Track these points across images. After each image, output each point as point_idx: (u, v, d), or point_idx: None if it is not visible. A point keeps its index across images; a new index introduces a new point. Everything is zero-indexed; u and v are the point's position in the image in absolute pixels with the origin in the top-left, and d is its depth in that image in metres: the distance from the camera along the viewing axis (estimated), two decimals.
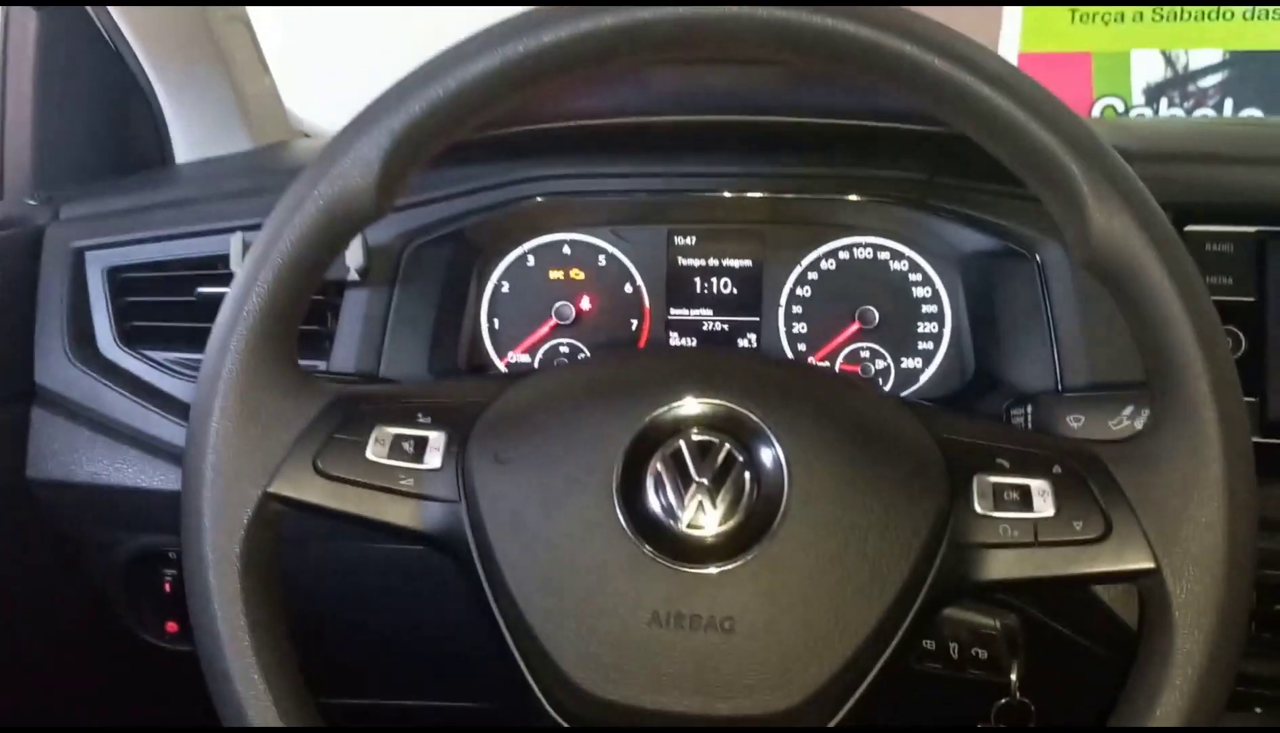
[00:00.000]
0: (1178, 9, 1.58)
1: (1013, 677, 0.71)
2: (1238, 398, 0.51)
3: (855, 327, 0.85)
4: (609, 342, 0.88)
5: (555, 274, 0.88)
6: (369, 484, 0.55)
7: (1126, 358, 0.72)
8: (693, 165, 0.84)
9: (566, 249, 0.88)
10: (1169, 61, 1.59)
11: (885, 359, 0.85)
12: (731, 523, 0.53)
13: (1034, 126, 0.50)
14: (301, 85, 1.30)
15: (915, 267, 0.85)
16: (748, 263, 0.87)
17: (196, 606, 0.53)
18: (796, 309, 0.86)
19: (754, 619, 0.51)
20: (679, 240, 0.87)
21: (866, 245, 0.85)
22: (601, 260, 0.88)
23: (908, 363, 0.85)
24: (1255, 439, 0.52)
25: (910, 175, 0.81)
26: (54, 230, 0.89)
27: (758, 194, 0.84)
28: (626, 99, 0.90)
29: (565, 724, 0.54)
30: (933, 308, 0.85)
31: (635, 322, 0.88)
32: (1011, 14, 1.62)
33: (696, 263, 0.87)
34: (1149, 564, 0.50)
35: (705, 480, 0.53)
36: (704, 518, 0.53)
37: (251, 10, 1.17)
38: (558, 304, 0.87)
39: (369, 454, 0.55)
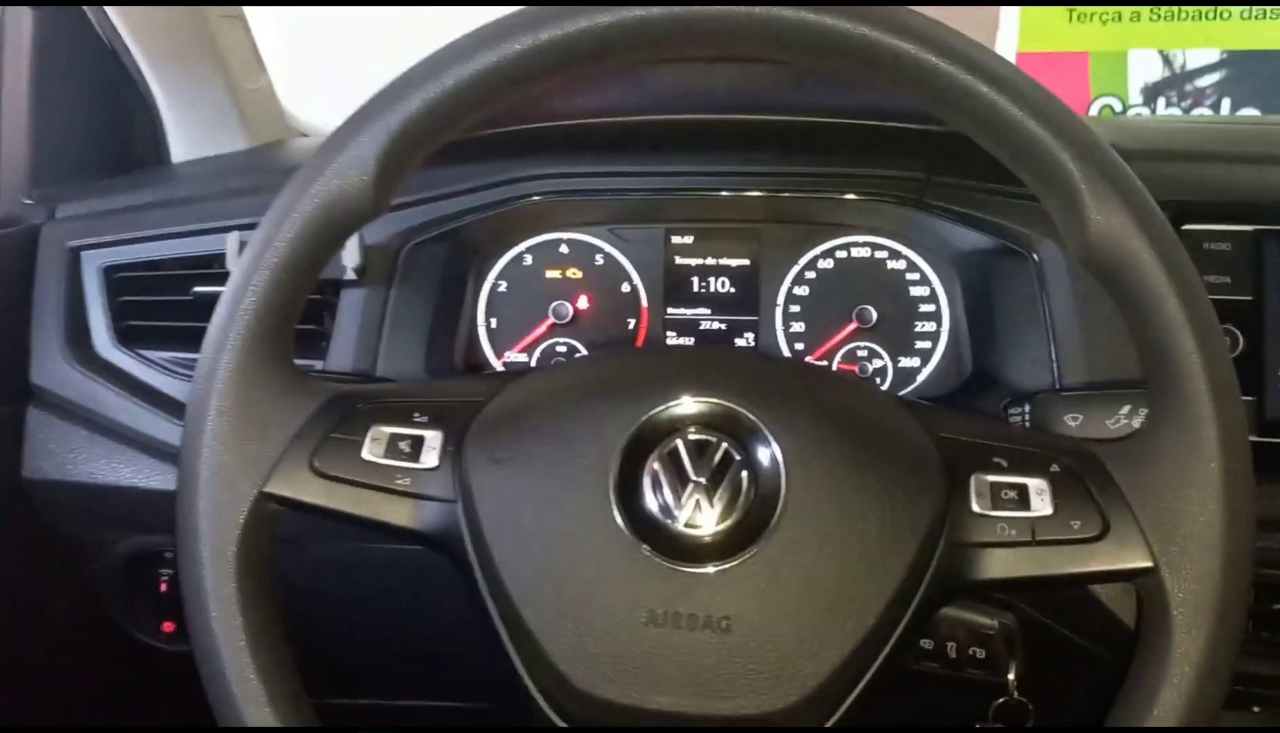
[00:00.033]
0: (1175, 9, 1.59)
1: (1010, 676, 0.71)
2: (1235, 397, 0.51)
3: (853, 326, 0.85)
4: (606, 341, 0.88)
5: (552, 273, 0.88)
6: (365, 484, 0.55)
7: (1124, 357, 0.72)
8: (690, 164, 0.84)
9: (564, 248, 0.88)
10: (1166, 61, 1.59)
11: (883, 358, 0.85)
12: (729, 522, 0.52)
13: (1032, 125, 0.50)
14: (298, 84, 1.30)
15: (913, 266, 0.85)
16: (745, 262, 0.87)
17: (192, 605, 0.52)
18: (794, 308, 0.86)
19: (751, 619, 0.50)
20: (676, 239, 0.87)
21: (864, 244, 0.85)
22: (599, 259, 0.88)
23: (905, 362, 0.85)
24: (1253, 438, 0.52)
25: (908, 174, 0.81)
26: (50, 229, 0.89)
27: (755, 193, 0.84)
28: (624, 98, 0.90)
29: (562, 724, 0.53)
30: (930, 307, 0.85)
31: (633, 321, 0.88)
32: (1009, 13, 1.62)
33: (694, 262, 0.87)
34: (1147, 563, 0.50)
35: (702, 480, 0.53)
36: (701, 517, 0.53)
37: (248, 9, 1.17)
38: (555, 303, 0.87)
39: (365, 454, 0.55)
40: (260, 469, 0.53)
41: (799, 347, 0.86)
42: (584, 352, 0.88)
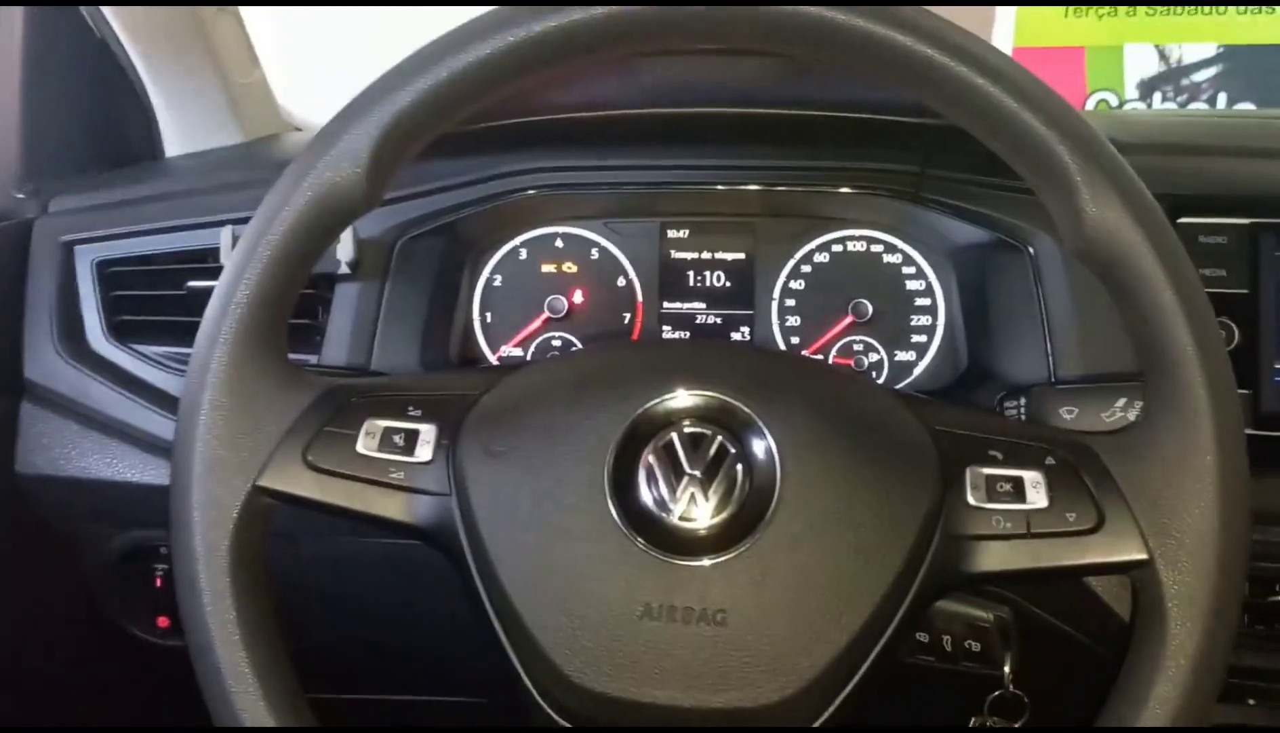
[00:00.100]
0: (1170, 6, 1.59)
1: (1006, 669, 0.71)
2: (1231, 389, 0.51)
3: (848, 320, 0.85)
4: (602, 335, 0.88)
5: (547, 267, 0.88)
6: (359, 477, 0.54)
7: (1119, 349, 0.72)
8: (685, 158, 0.84)
9: (559, 242, 0.88)
10: (1162, 56, 1.59)
11: (878, 352, 0.85)
12: (724, 515, 0.52)
13: (1028, 117, 0.49)
14: (293, 78, 1.29)
15: (908, 259, 0.85)
16: (740, 256, 0.87)
17: (186, 599, 0.52)
18: (789, 302, 0.86)
19: (746, 611, 0.50)
20: (671, 233, 0.87)
21: (859, 238, 0.85)
22: (594, 254, 0.88)
23: (901, 356, 0.85)
24: (1248, 431, 0.52)
25: (903, 168, 0.81)
26: (43, 224, 0.89)
27: (750, 187, 0.84)
28: (619, 91, 0.90)
29: (558, 718, 0.53)
30: (926, 301, 0.85)
31: (628, 315, 0.88)
32: (1005, 8, 1.62)
33: (689, 256, 0.87)
34: (1142, 556, 0.50)
35: (697, 473, 0.53)
36: (696, 510, 0.53)
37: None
38: (550, 298, 0.87)
39: (359, 447, 0.55)
40: (254, 463, 0.53)
41: (795, 341, 0.86)
42: (579, 346, 0.88)
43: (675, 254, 0.87)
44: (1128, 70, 1.60)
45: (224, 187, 0.89)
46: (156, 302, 0.87)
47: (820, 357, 0.86)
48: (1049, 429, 0.68)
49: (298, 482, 0.54)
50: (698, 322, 0.87)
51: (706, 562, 0.51)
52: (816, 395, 0.56)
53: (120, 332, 0.87)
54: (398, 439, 0.55)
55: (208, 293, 0.55)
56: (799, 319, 0.86)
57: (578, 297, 0.88)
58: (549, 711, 0.54)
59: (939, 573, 0.53)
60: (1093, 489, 0.52)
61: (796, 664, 0.50)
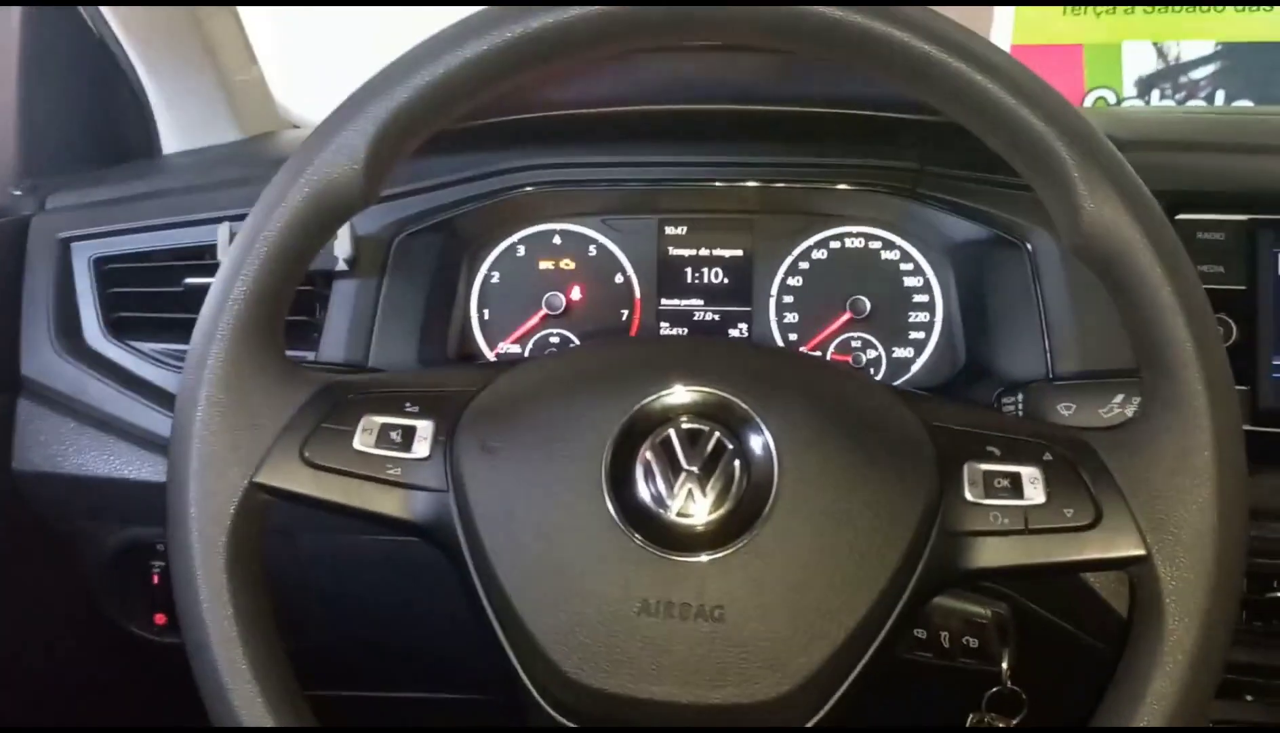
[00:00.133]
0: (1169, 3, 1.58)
1: (1004, 665, 0.71)
2: (1229, 385, 0.51)
3: (846, 316, 0.85)
4: (600, 332, 0.88)
5: (545, 264, 0.88)
6: (356, 474, 0.54)
7: (1117, 345, 0.71)
8: (683, 154, 0.84)
9: (557, 239, 0.88)
10: (1160, 53, 1.59)
11: (877, 349, 0.85)
12: (721, 511, 0.52)
13: (1025, 113, 0.49)
14: (292, 76, 1.29)
15: (906, 256, 0.85)
16: (738, 252, 0.87)
17: (182, 596, 0.52)
18: (787, 299, 0.86)
19: (744, 607, 0.50)
20: (670, 230, 0.87)
21: (858, 235, 0.85)
22: (592, 250, 0.88)
23: (899, 352, 0.85)
24: (1246, 427, 0.52)
25: (901, 164, 0.81)
26: (40, 221, 0.89)
27: (748, 183, 0.84)
28: (616, 88, 0.90)
29: (555, 714, 0.53)
30: (924, 297, 0.85)
31: (626, 312, 0.88)
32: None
33: (687, 253, 0.87)
34: (1139, 551, 0.50)
35: (695, 469, 0.53)
36: (693, 506, 0.52)
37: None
38: (548, 294, 0.87)
39: (356, 444, 0.55)
40: (250, 459, 0.53)
41: (793, 337, 0.86)
42: (577, 343, 0.88)
43: (673, 251, 0.87)
44: (1126, 68, 1.60)
45: (221, 183, 0.89)
46: (154, 298, 0.87)
47: (818, 353, 0.85)
48: (1047, 425, 0.68)
49: (295, 478, 0.54)
50: (696, 318, 0.87)
51: (704, 558, 0.51)
52: (814, 391, 0.56)
53: (117, 328, 0.87)
54: (395, 436, 0.55)
55: (205, 290, 0.55)
56: (797, 316, 0.86)
57: (575, 293, 0.88)
58: (546, 707, 0.53)
59: (937, 569, 0.52)
60: (1090, 485, 0.52)
61: (794, 660, 0.50)
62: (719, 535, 0.52)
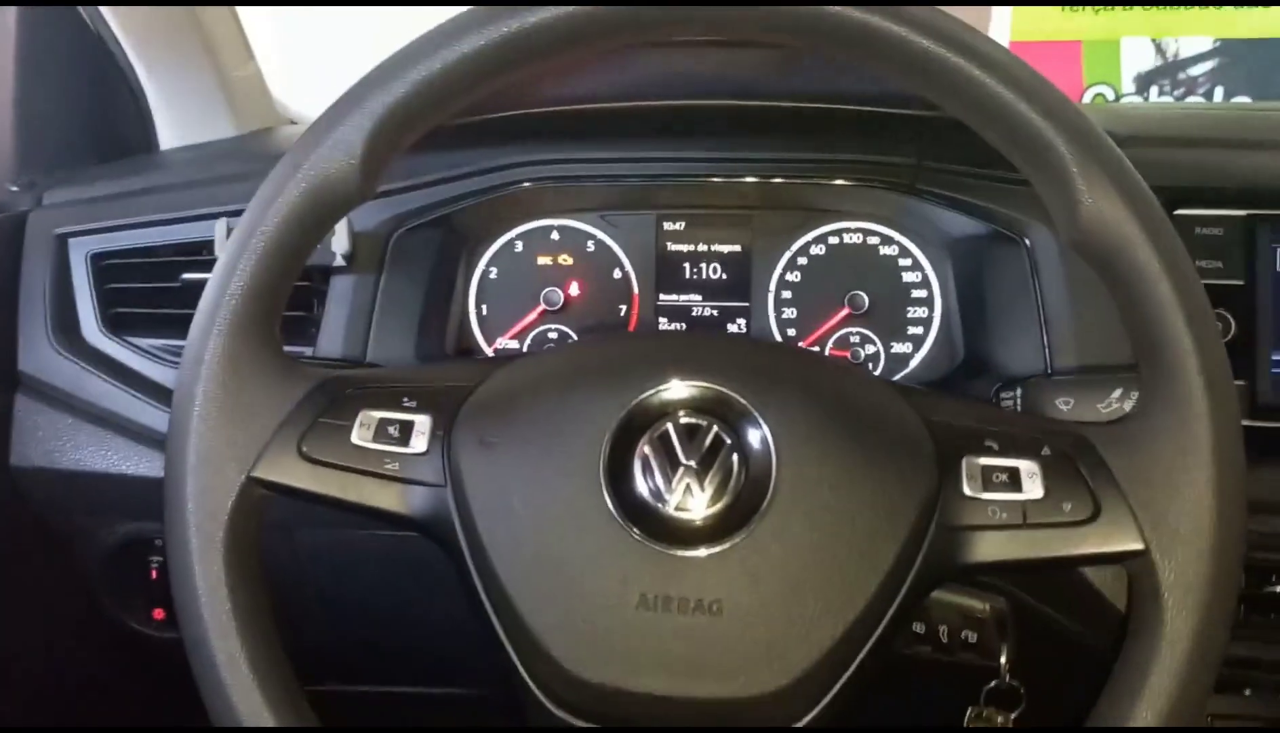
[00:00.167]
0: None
1: (1002, 660, 0.71)
2: (1227, 380, 0.51)
3: (845, 312, 0.85)
4: (598, 328, 0.88)
5: (543, 260, 0.88)
6: (354, 468, 0.54)
7: (1116, 340, 0.72)
8: (681, 150, 0.84)
9: (555, 235, 0.88)
10: (1159, 49, 1.59)
11: (875, 344, 0.85)
12: (719, 506, 0.52)
13: (1024, 108, 0.49)
14: (292, 72, 1.29)
15: (905, 251, 0.85)
16: (736, 248, 0.87)
17: (181, 591, 0.52)
18: (786, 294, 0.86)
19: (742, 602, 0.50)
20: (668, 225, 0.87)
21: (856, 230, 0.85)
22: (590, 246, 0.87)
23: (897, 348, 0.85)
24: (1244, 422, 0.52)
25: (899, 160, 0.81)
26: (37, 217, 0.88)
27: (747, 179, 0.84)
28: (615, 84, 0.90)
29: (553, 708, 0.53)
30: (922, 293, 0.85)
31: (624, 307, 0.88)
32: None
33: (685, 248, 0.87)
34: (1137, 546, 0.50)
35: (693, 463, 0.53)
36: (692, 501, 0.52)
37: None
38: (546, 290, 0.87)
39: (354, 438, 0.55)
40: (248, 454, 0.53)
41: (791, 333, 0.86)
42: (575, 338, 0.88)
43: (671, 246, 0.87)
44: (1124, 64, 1.59)
45: (219, 179, 0.88)
46: (151, 294, 0.87)
47: (816, 349, 0.85)
48: (1045, 420, 0.68)
49: (292, 473, 0.53)
50: (694, 314, 0.87)
51: (702, 552, 0.51)
52: (813, 386, 0.56)
53: (115, 324, 0.87)
54: (393, 430, 0.55)
55: (203, 285, 0.55)
56: (795, 311, 0.86)
57: (574, 289, 0.88)
58: (544, 701, 0.53)
59: (935, 564, 0.52)
60: (1089, 480, 0.52)
61: (792, 654, 0.50)
62: (717, 530, 0.51)
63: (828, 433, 0.54)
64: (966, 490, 0.53)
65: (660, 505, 0.52)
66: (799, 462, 0.52)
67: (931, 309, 0.85)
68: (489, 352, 0.88)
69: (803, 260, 0.86)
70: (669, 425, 0.54)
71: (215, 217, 0.83)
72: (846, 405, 0.56)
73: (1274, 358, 0.73)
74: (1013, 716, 0.73)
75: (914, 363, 0.85)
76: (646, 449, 0.53)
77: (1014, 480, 0.52)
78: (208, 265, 0.83)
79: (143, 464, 0.85)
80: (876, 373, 0.85)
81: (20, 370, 0.87)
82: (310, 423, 0.54)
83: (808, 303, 0.86)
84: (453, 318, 0.86)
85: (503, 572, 0.53)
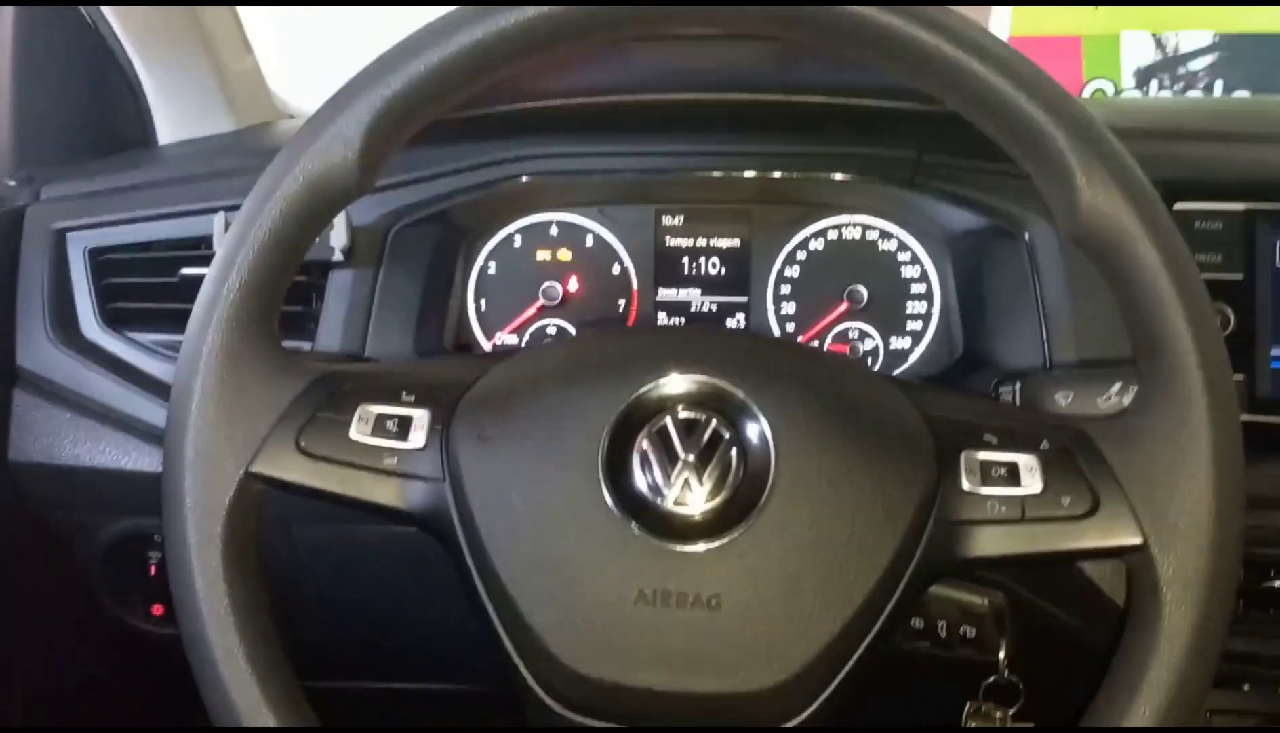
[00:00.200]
0: None
1: (1001, 655, 0.71)
2: (1226, 374, 0.50)
3: (844, 306, 0.85)
4: (597, 323, 0.87)
5: (542, 255, 0.88)
6: (352, 463, 0.54)
7: (1115, 335, 0.71)
8: (680, 144, 0.84)
9: (553, 229, 0.87)
10: (1159, 44, 1.59)
11: (874, 339, 0.85)
12: (718, 500, 0.52)
13: (1023, 100, 0.49)
14: (292, 69, 1.29)
15: (904, 246, 0.85)
16: (735, 243, 0.86)
17: (179, 586, 0.52)
18: (785, 289, 0.86)
19: (741, 596, 0.50)
20: (667, 220, 0.87)
21: (855, 225, 0.85)
22: (589, 241, 0.87)
23: (896, 343, 0.85)
24: (1243, 417, 0.52)
25: (899, 154, 0.81)
26: (35, 211, 0.88)
27: (745, 173, 0.84)
28: (613, 77, 0.89)
29: (552, 703, 0.53)
30: (921, 287, 0.85)
31: (623, 302, 0.87)
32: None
33: (684, 243, 0.87)
34: (1136, 540, 0.50)
35: (691, 458, 0.53)
36: (690, 496, 0.52)
37: None
38: (545, 285, 0.87)
39: (352, 433, 0.54)
40: (246, 449, 0.53)
41: (790, 327, 0.86)
42: (574, 334, 0.88)
43: (670, 241, 0.87)
44: (1124, 59, 1.59)
45: (217, 174, 0.88)
46: (150, 289, 0.86)
47: (815, 344, 0.85)
48: (1044, 415, 0.68)
49: (291, 468, 0.53)
50: (693, 309, 0.87)
51: (701, 547, 0.51)
52: (811, 381, 0.56)
53: (113, 319, 0.87)
54: (391, 425, 0.55)
55: (201, 280, 0.55)
56: (794, 306, 0.86)
57: (573, 284, 0.87)
58: (543, 696, 0.53)
59: (933, 558, 0.52)
60: (1087, 474, 0.51)
61: (790, 649, 0.50)
62: (716, 525, 0.51)
63: (826, 428, 0.53)
64: (965, 485, 0.53)
65: (659, 500, 0.52)
66: (797, 456, 0.52)
67: (930, 304, 0.84)
68: (487, 347, 0.88)
69: (802, 255, 0.86)
70: (667, 420, 0.54)
71: (213, 211, 0.82)
72: (845, 400, 0.56)
73: (1273, 353, 0.73)
74: (1011, 711, 0.73)
75: (913, 358, 0.85)
76: (645, 444, 0.53)
77: (1013, 475, 0.52)
78: (206, 260, 0.82)
79: (141, 459, 0.85)
80: (875, 368, 0.85)
81: (18, 365, 0.87)
82: (308, 418, 0.54)
83: (807, 298, 0.86)
84: (451, 313, 0.86)
85: (501, 567, 0.53)
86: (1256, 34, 1.56)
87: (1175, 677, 0.48)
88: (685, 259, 0.87)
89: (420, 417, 0.55)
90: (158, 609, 0.97)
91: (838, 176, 0.82)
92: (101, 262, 0.87)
